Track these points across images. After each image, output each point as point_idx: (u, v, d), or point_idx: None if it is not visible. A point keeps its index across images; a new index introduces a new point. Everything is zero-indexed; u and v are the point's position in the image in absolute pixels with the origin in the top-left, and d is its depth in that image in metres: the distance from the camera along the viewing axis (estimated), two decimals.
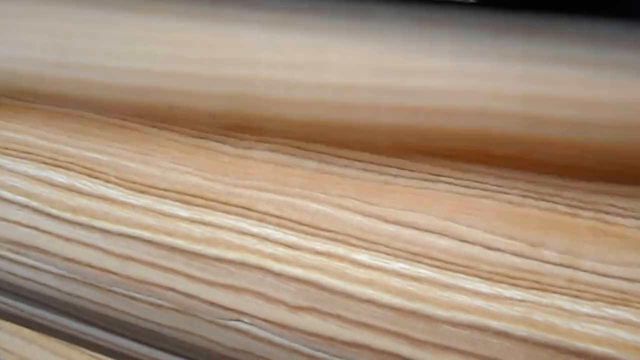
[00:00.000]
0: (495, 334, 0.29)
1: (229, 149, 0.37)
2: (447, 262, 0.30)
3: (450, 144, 0.32)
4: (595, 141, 0.30)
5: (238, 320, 0.33)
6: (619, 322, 0.28)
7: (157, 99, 0.37)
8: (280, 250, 0.32)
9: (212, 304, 0.33)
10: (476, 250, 0.30)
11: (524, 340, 0.28)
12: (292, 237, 0.33)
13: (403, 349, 0.30)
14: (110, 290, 0.36)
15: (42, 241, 0.37)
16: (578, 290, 0.29)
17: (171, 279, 0.34)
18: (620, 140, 0.29)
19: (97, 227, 0.36)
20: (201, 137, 0.38)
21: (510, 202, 0.32)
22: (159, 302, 0.35)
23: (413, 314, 0.30)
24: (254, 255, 0.33)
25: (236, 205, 0.35)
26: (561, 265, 0.29)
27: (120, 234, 0.35)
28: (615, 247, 0.29)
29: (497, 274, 0.30)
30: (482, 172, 0.33)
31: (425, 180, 0.33)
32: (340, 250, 0.32)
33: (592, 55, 0.29)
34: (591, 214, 0.31)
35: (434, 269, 0.30)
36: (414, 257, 0.31)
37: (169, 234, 0.35)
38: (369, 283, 0.31)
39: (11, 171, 0.39)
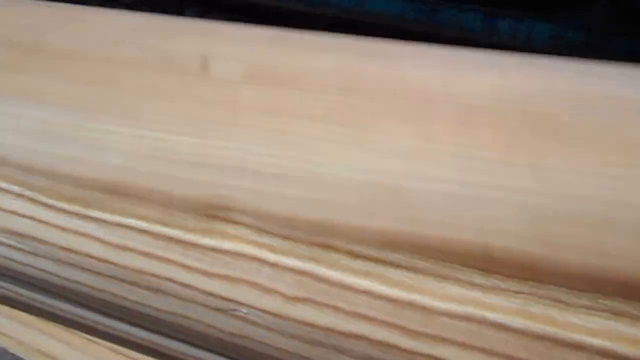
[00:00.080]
0: (491, 326, 0.29)
1: None
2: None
3: None
4: None
5: (235, 310, 0.33)
6: (616, 314, 0.28)
7: None
8: (276, 241, 0.32)
9: (210, 294, 0.33)
10: None
11: (521, 332, 0.28)
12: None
13: (400, 339, 0.30)
14: (109, 277, 0.36)
15: (39, 231, 0.37)
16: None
17: (168, 269, 0.34)
18: None
19: (92, 216, 0.36)
20: None
21: None
22: (157, 289, 0.35)
23: (409, 305, 0.30)
24: (249, 245, 0.33)
25: None
26: None
27: (117, 224, 0.35)
28: None
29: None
30: None
31: None
32: (337, 242, 0.32)
33: None
34: None
35: (431, 260, 0.30)
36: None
37: (165, 224, 0.34)
38: (366, 274, 0.31)
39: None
